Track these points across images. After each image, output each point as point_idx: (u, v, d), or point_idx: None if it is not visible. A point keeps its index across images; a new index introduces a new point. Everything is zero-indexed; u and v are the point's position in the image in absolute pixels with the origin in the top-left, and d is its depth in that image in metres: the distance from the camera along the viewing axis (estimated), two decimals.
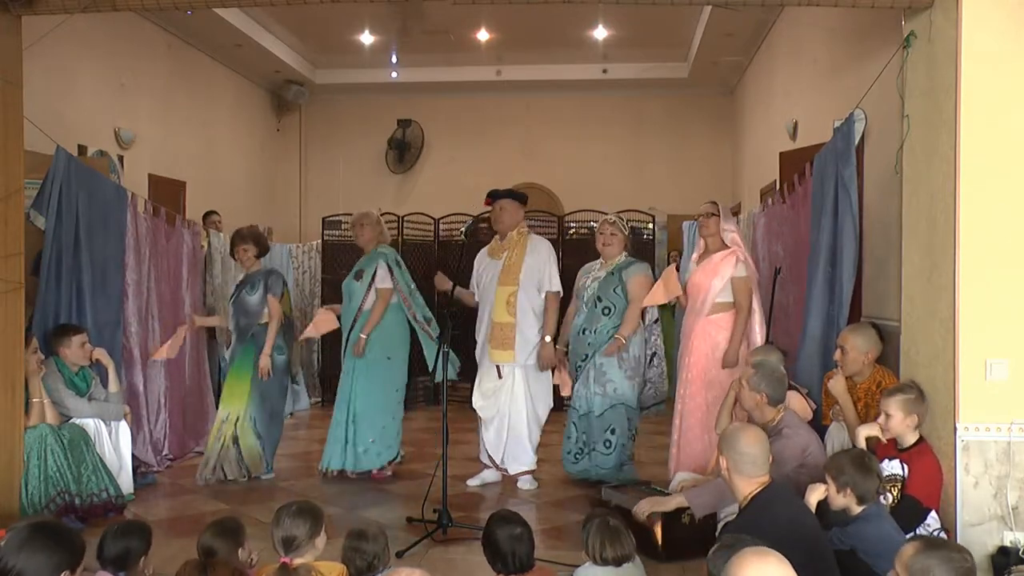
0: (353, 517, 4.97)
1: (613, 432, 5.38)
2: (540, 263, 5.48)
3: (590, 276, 5.54)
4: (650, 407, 5.69)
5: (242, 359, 5.68)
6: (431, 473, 5.04)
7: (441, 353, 4.76)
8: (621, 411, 5.39)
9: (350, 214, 8.90)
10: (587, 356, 5.40)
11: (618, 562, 3.06)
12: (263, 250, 5.88)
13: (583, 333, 5.43)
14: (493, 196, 5.63)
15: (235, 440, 5.64)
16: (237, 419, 5.65)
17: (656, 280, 5.50)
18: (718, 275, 5.10)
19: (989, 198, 3.79)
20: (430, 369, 5.58)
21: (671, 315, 6.20)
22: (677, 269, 6.14)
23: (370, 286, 5.69)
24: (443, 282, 5.61)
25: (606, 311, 5.39)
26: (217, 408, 5.93)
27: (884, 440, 3.69)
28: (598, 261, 5.59)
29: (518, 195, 5.72)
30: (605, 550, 3.05)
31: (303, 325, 6.75)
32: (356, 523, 4.82)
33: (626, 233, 5.56)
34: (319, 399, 8.90)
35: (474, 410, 5.67)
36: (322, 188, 12.20)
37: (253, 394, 5.65)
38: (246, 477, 5.66)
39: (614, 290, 5.39)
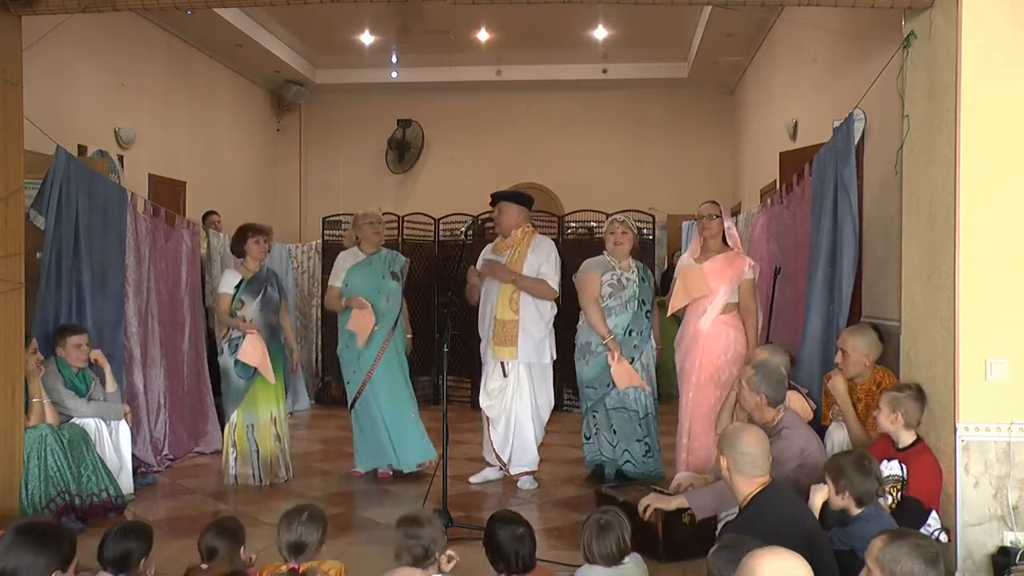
0: (355, 517, 4.98)
1: (657, 428, 5.55)
2: (542, 261, 5.49)
3: (619, 275, 5.42)
4: None
5: (275, 358, 5.63)
6: (431, 473, 5.04)
7: (442, 352, 4.79)
8: (656, 405, 5.58)
9: (350, 214, 8.91)
10: (633, 359, 5.40)
11: (606, 560, 3.05)
12: (270, 246, 5.92)
13: (630, 335, 5.40)
14: (495, 198, 5.68)
15: (279, 439, 5.67)
16: (282, 419, 5.69)
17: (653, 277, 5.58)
18: (729, 281, 5.08)
19: (989, 198, 3.79)
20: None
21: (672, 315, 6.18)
22: (672, 269, 6.12)
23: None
24: (473, 275, 5.65)
25: (648, 315, 5.50)
26: (219, 408, 5.91)
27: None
28: (607, 258, 5.49)
29: (519, 197, 5.73)
30: (592, 546, 3.06)
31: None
32: (360, 522, 4.86)
33: (635, 232, 5.57)
34: (313, 399, 8.92)
35: (477, 409, 5.70)
36: (322, 188, 12.20)
37: (285, 393, 5.78)
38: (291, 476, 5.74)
39: (650, 294, 5.54)
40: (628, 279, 5.44)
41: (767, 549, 2.26)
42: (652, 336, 5.55)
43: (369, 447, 5.75)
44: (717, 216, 5.18)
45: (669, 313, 5.41)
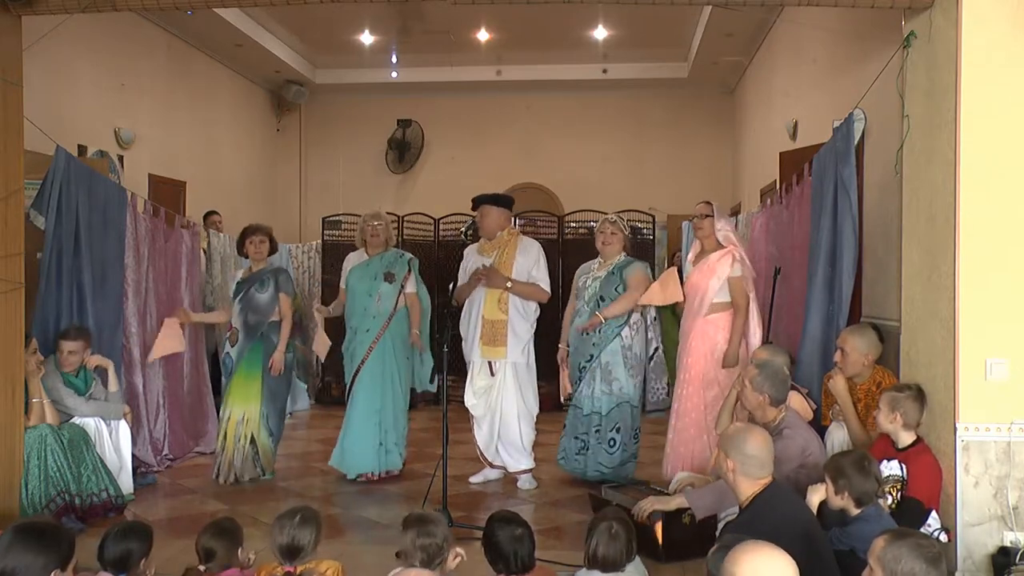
0: (354, 517, 4.98)
1: (618, 431, 5.42)
2: (531, 264, 5.55)
3: (590, 276, 5.55)
4: (654, 411, 5.76)
5: (252, 357, 5.64)
6: (431, 473, 5.04)
7: (442, 352, 4.81)
8: (626, 409, 5.43)
9: (350, 214, 8.97)
10: (592, 356, 5.40)
11: (608, 567, 3.04)
12: (274, 247, 5.92)
13: (586, 333, 5.42)
14: (476, 202, 5.71)
15: (252, 440, 5.65)
16: (251, 419, 5.65)
17: (654, 279, 5.54)
18: (715, 275, 5.10)
19: (989, 198, 3.80)
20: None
21: (672, 315, 6.18)
22: (679, 271, 6.06)
23: (401, 288, 5.73)
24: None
25: None
26: (218, 407, 5.92)
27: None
28: (596, 261, 5.62)
29: (501, 199, 5.76)
30: (597, 553, 3.04)
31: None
32: (359, 522, 4.86)
33: (626, 233, 5.58)
34: (313, 399, 8.91)
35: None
36: (322, 188, 12.20)
37: (264, 392, 5.66)
38: (261, 476, 5.70)
39: (615, 289, 5.40)
40: (594, 279, 5.49)
41: (751, 544, 2.26)
42: (602, 331, 5.40)
43: (356, 449, 5.74)
44: (708, 215, 5.20)
45: (640, 303, 5.37)
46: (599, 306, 5.40)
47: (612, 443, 5.40)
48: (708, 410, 5.01)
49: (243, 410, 5.63)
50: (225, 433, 5.63)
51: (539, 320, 5.67)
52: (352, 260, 5.93)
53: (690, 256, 5.49)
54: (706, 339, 5.12)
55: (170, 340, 5.84)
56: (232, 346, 5.67)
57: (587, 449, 5.45)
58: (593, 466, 5.43)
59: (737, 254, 5.15)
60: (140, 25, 8.47)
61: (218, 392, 6.29)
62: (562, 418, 5.76)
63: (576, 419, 5.53)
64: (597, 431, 5.41)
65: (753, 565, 2.18)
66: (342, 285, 5.93)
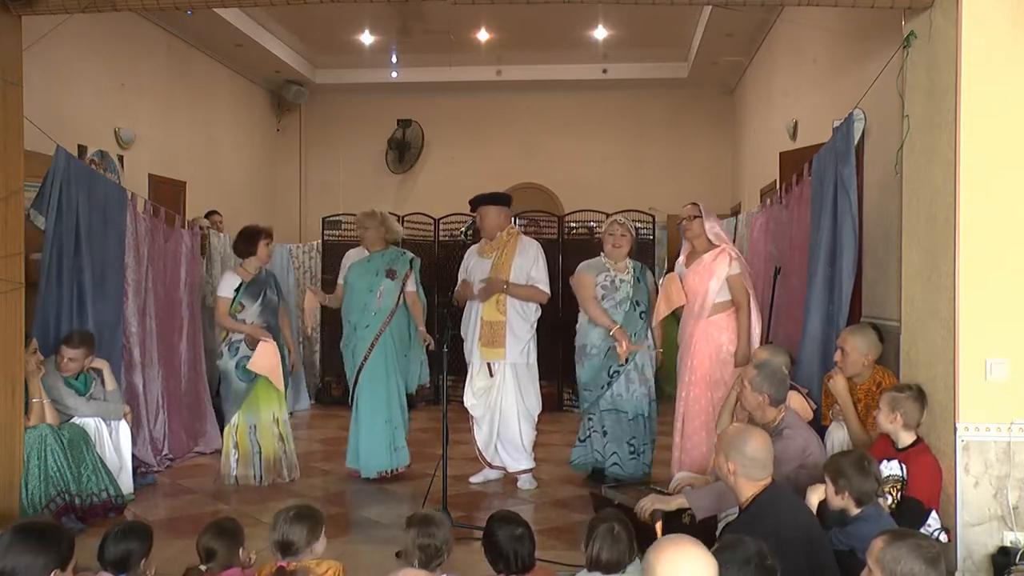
0: (354, 517, 4.99)
1: (648, 429, 5.52)
2: (529, 264, 5.55)
3: (614, 277, 5.47)
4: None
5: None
6: (431, 473, 5.04)
7: (442, 352, 4.83)
8: (654, 407, 5.53)
9: (350, 214, 8.95)
10: (628, 359, 5.40)
11: (610, 569, 3.03)
12: None
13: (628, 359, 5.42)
14: (474, 203, 5.71)
15: (282, 440, 5.71)
16: (279, 419, 5.70)
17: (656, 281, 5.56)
18: (714, 276, 5.09)
19: (989, 198, 3.80)
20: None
21: (672, 316, 6.18)
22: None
23: (402, 286, 5.74)
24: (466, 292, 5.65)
25: (643, 315, 5.45)
26: (217, 408, 5.91)
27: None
28: (603, 260, 5.54)
29: (498, 198, 5.76)
30: (600, 555, 3.03)
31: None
32: (360, 522, 4.87)
33: (633, 235, 5.58)
34: (313, 399, 8.91)
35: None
36: (322, 188, 12.20)
37: (286, 393, 5.77)
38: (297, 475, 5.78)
39: (645, 294, 5.50)
40: (622, 280, 5.46)
41: (675, 538, 2.29)
42: (651, 338, 5.51)
43: (370, 448, 5.76)
44: (696, 216, 5.19)
45: (654, 323, 5.45)
46: (635, 309, 5.42)
47: (652, 443, 5.54)
48: (716, 411, 5.00)
49: (280, 411, 5.69)
50: (281, 435, 5.66)
51: (540, 320, 5.66)
52: (352, 257, 5.93)
53: (681, 258, 5.44)
54: (710, 340, 5.10)
55: (267, 358, 5.62)
56: (252, 349, 5.54)
57: (640, 452, 5.46)
58: (642, 468, 5.46)
59: (732, 252, 5.15)
60: (140, 25, 8.47)
61: (217, 393, 6.26)
62: (562, 418, 5.76)
63: (621, 424, 5.45)
64: (646, 432, 5.48)
65: (674, 559, 2.19)
66: (340, 280, 5.92)
